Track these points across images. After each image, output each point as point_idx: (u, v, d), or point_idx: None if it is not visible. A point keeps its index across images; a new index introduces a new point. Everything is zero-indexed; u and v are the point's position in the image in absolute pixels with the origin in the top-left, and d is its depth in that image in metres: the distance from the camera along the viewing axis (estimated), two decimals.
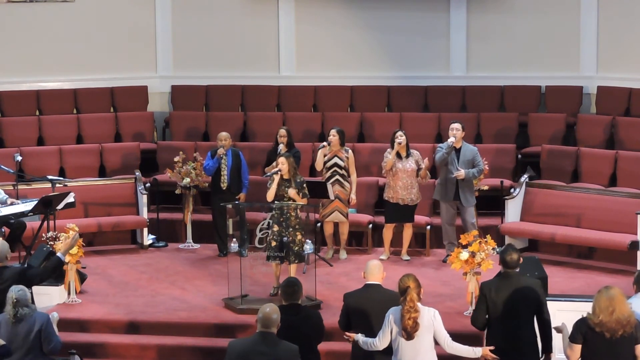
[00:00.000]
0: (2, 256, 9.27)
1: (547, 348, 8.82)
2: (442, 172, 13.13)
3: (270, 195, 11.96)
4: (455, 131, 12.97)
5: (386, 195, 13.29)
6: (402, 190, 13.12)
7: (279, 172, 11.97)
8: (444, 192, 13.08)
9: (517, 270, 8.86)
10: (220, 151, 13.48)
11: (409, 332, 8.12)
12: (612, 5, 16.13)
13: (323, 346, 9.89)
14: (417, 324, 8.12)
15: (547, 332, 8.75)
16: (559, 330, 8.36)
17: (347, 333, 8.63)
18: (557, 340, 8.64)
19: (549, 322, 8.75)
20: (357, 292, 8.83)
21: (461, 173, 12.87)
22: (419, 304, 8.18)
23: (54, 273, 9.81)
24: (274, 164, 13.39)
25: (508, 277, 8.77)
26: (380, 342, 8.32)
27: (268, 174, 12.34)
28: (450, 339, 8.32)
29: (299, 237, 11.65)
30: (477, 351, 8.37)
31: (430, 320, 8.23)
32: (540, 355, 8.82)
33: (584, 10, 16.28)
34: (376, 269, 8.77)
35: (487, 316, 8.73)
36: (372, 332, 8.52)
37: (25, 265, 10.37)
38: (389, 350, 8.32)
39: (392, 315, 8.25)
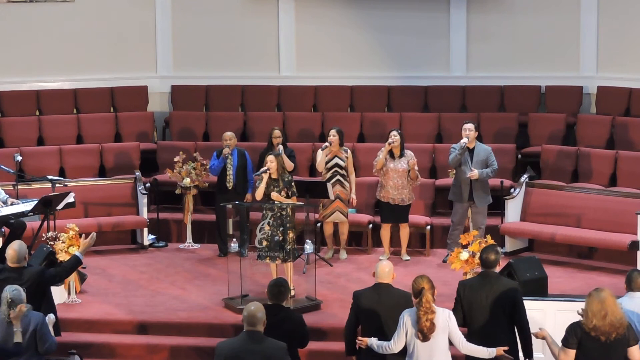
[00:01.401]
0: (21, 257, 9.26)
1: (528, 353, 8.72)
2: (456, 173, 13.08)
3: (259, 194, 11.95)
4: (468, 131, 12.92)
5: (378, 194, 13.30)
6: (392, 190, 13.11)
7: (267, 171, 11.96)
8: (459, 193, 13.01)
9: (497, 270, 8.83)
10: (226, 151, 13.47)
11: (425, 334, 8.11)
12: (612, 5, 16.13)
13: (322, 346, 9.93)
14: (433, 325, 8.11)
15: (526, 336, 8.67)
16: (540, 336, 8.29)
17: (360, 337, 8.60)
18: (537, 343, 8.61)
19: (526, 326, 8.67)
20: (367, 291, 8.80)
21: (475, 173, 12.83)
22: (434, 305, 8.18)
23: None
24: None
25: (486, 277, 8.75)
26: (395, 345, 8.29)
27: (257, 172, 12.34)
28: (464, 339, 8.31)
29: (291, 235, 11.64)
30: (492, 351, 8.34)
31: (446, 321, 8.22)
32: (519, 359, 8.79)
33: (584, 10, 16.28)
34: (387, 269, 8.75)
35: (463, 315, 8.73)
36: (381, 332, 8.50)
37: (26, 266, 10.35)
38: (402, 352, 8.31)
39: (407, 317, 8.23)
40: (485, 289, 8.65)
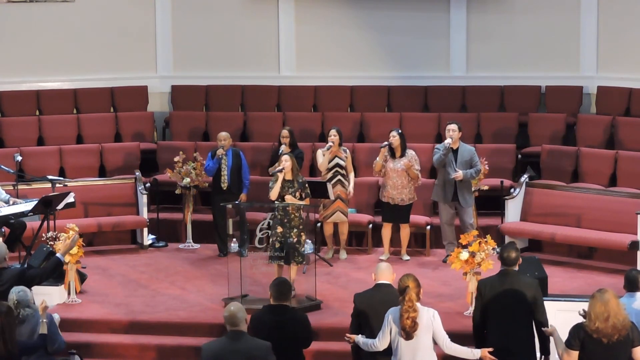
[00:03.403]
0: (0, 258, 9.26)
1: (544, 350, 8.77)
2: (440, 174, 13.10)
3: (273, 194, 11.89)
4: (452, 132, 12.93)
5: (380, 194, 13.30)
6: (392, 189, 13.11)
7: (282, 171, 11.93)
8: (443, 193, 13.06)
9: (516, 269, 8.85)
10: (220, 151, 13.46)
11: (407, 332, 8.12)
12: (612, 5, 16.13)
13: (322, 346, 9.93)
14: (415, 323, 8.12)
15: (544, 334, 8.72)
16: (549, 333, 8.34)
17: (348, 335, 8.61)
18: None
19: (545, 324, 8.68)
20: (368, 292, 8.79)
21: (459, 174, 12.85)
22: (418, 304, 8.18)
23: (53, 274, 9.81)
24: (277, 163, 13.36)
25: (505, 275, 8.77)
26: (380, 343, 8.31)
27: (272, 172, 12.28)
28: (449, 339, 8.31)
29: (303, 237, 11.63)
30: (476, 353, 8.37)
31: (430, 320, 8.23)
32: (536, 358, 8.80)
33: (584, 10, 16.28)
34: (387, 270, 8.75)
35: (483, 314, 8.73)
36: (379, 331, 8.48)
37: (25, 266, 10.36)
38: (389, 351, 8.32)
39: (391, 315, 8.25)
40: (506, 287, 8.67)
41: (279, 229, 11.55)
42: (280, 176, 11.90)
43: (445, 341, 8.29)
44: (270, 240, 11.61)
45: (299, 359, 8.48)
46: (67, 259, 10.97)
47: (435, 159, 13.01)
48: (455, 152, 12.97)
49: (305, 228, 11.80)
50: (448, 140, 12.88)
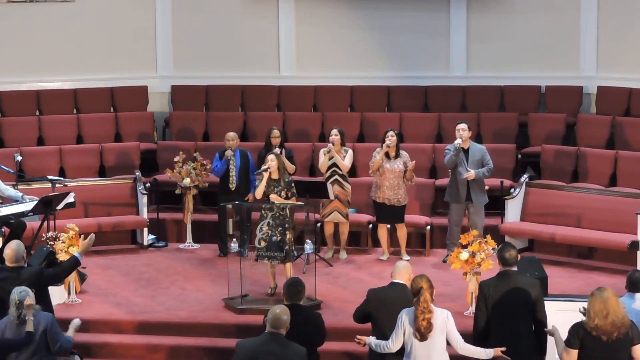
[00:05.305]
0: (19, 256, 9.26)
1: (540, 350, 8.79)
2: (452, 174, 13.04)
3: (258, 193, 11.96)
4: (462, 132, 12.90)
5: (373, 195, 13.28)
6: (388, 190, 13.10)
7: (268, 170, 11.96)
8: (456, 193, 13.00)
9: (516, 268, 8.86)
10: (229, 153, 13.45)
11: (422, 333, 8.11)
12: (612, 5, 16.13)
13: (322, 346, 9.88)
14: (430, 324, 8.12)
15: (541, 333, 8.73)
16: (550, 333, 8.34)
17: (358, 336, 8.61)
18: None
19: (542, 324, 8.72)
20: (382, 289, 8.81)
21: (471, 174, 12.82)
22: (432, 305, 8.18)
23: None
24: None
25: (507, 276, 8.77)
26: (393, 344, 8.30)
27: (258, 171, 12.33)
28: (462, 340, 8.31)
29: (289, 236, 11.61)
30: (489, 352, 8.36)
31: (444, 321, 8.23)
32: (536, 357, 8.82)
33: (584, 10, 16.28)
34: (404, 270, 8.77)
35: (487, 315, 8.73)
36: (390, 330, 8.46)
37: (27, 264, 10.35)
38: (401, 352, 8.31)
39: (405, 316, 8.24)
40: (508, 287, 8.67)
41: (265, 228, 11.57)
42: (266, 175, 11.93)
43: (459, 342, 8.30)
44: (257, 238, 11.64)
45: (315, 357, 8.49)
46: (66, 257, 10.95)
47: (446, 160, 12.97)
48: (466, 151, 12.93)
49: (293, 227, 11.79)
50: (458, 141, 12.86)
